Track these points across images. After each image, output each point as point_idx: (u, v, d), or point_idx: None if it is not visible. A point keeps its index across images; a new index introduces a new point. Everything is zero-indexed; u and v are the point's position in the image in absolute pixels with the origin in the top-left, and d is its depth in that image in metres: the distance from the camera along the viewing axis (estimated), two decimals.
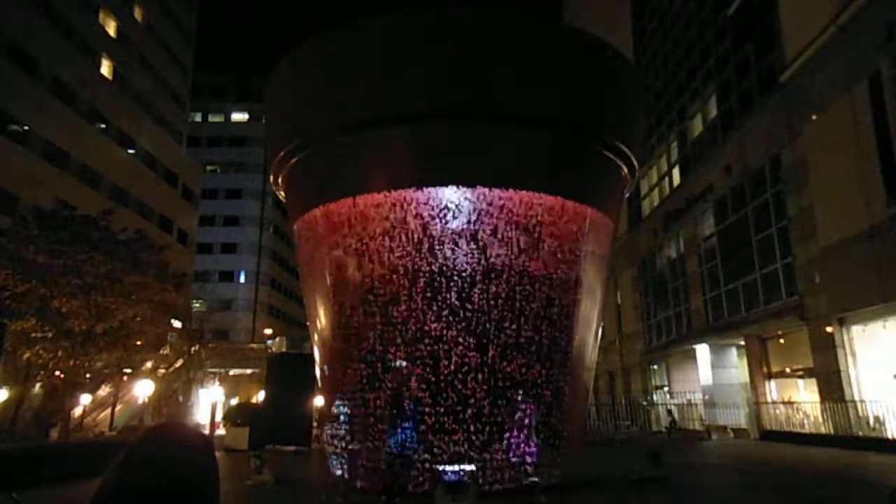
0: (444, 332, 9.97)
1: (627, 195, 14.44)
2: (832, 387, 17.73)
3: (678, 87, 30.15)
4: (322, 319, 11.54)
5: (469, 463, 9.07)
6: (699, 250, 26.32)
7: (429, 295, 10.06)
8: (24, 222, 23.75)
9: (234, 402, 37.60)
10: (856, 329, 17.57)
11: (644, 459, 12.01)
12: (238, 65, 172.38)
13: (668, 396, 29.57)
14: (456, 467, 8.75)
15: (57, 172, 33.03)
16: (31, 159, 31.37)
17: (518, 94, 10.62)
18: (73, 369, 24.49)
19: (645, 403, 30.72)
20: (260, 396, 34.18)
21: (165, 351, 36.67)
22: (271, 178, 13.22)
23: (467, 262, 10.11)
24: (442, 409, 9.76)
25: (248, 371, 45.52)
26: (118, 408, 32.08)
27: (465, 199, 10.28)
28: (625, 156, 11.96)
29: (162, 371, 35.66)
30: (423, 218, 10.29)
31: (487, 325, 10.01)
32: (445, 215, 10.23)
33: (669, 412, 26.96)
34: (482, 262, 10.12)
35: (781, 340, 21.60)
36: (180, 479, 1.09)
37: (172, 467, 1.09)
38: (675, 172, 30.23)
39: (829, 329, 17.87)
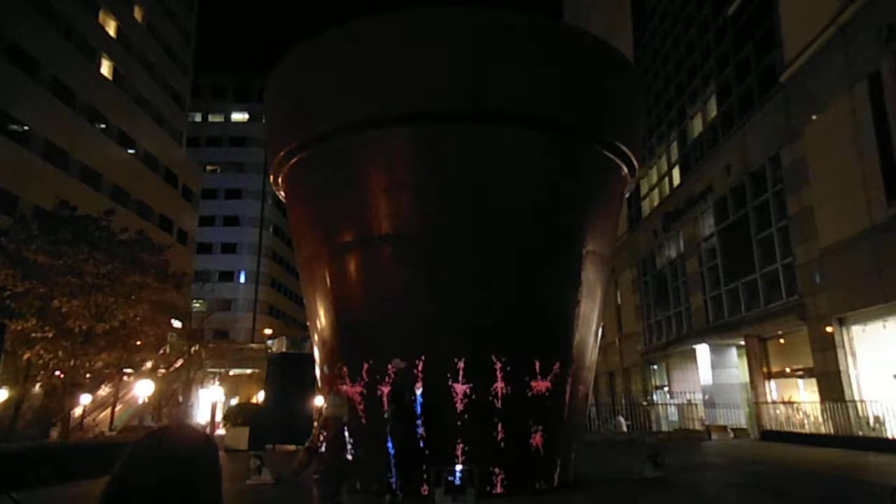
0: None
1: (627, 195, 14.43)
2: (832, 387, 17.72)
3: (678, 87, 30.14)
4: (322, 319, 11.54)
5: (469, 464, 9.06)
6: (699, 250, 26.31)
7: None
8: (24, 222, 23.73)
9: (234, 402, 37.63)
10: (856, 329, 17.56)
11: (644, 459, 12.00)
12: (238, 65, 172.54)
13: (668, 396, 29.57)
14: (456, 468, 8.74)
15: (57, 172, 33.02)
16: (31, 159, 31.36)
17: (517, 94, 10.60)
18: (73, 369, 24.48)
19: (645, 403, 30.72)
20: (260, 396, 34.19)
21: (165, 351, 36.66)
22: (271, 178, 13.20)
23: None
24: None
25: (248, 371, 45.57)
26: (118, 408, 32.10)
27: None
28: (625, 156, 11.95)
29: (162, 371, 35.66)
30: None
31: None
32: None
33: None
34: None
35: (781, 340, 21.59)
36: (184, 477, 1.09)
37: (176, 465, 1.10)
38: (675, 172, 30.22)
39: (829, 329, 17.86)
